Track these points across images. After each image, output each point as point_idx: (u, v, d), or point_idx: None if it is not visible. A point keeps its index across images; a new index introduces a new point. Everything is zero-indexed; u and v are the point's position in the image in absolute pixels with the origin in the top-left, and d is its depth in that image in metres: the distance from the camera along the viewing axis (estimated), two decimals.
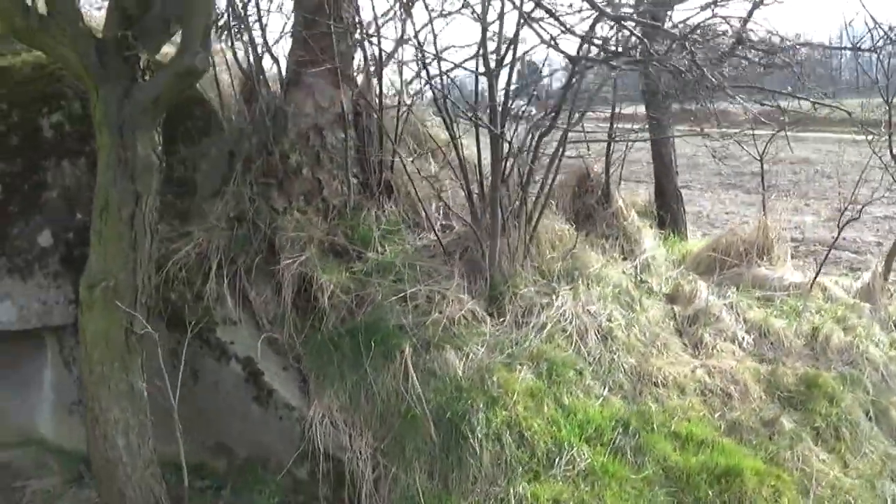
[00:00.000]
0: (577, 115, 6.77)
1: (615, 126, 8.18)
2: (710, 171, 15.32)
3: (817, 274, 7.89)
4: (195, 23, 4.80)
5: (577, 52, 6.25)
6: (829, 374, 6.71)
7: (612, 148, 8.26)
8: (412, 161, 6.90)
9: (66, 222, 5.96)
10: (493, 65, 6.00)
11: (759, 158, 8.88)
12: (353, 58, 6.56)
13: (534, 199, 6.84)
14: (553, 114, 6.53)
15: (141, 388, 5.12)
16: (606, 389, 6.02)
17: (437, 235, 6.52)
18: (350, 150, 6.44)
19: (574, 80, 6.38)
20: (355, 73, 6.66)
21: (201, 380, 5.91)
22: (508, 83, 6.30)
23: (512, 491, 5.13)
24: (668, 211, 10.09)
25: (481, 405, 5.45)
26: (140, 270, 5.03)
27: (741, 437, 6.01)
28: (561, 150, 6.75)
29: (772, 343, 7.02)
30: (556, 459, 5.33)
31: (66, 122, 5.98)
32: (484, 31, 5.88)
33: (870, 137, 7.94)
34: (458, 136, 6.46)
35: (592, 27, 6.13)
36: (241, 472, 5.84)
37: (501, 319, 6.21)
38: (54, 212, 5.95)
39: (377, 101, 6.68)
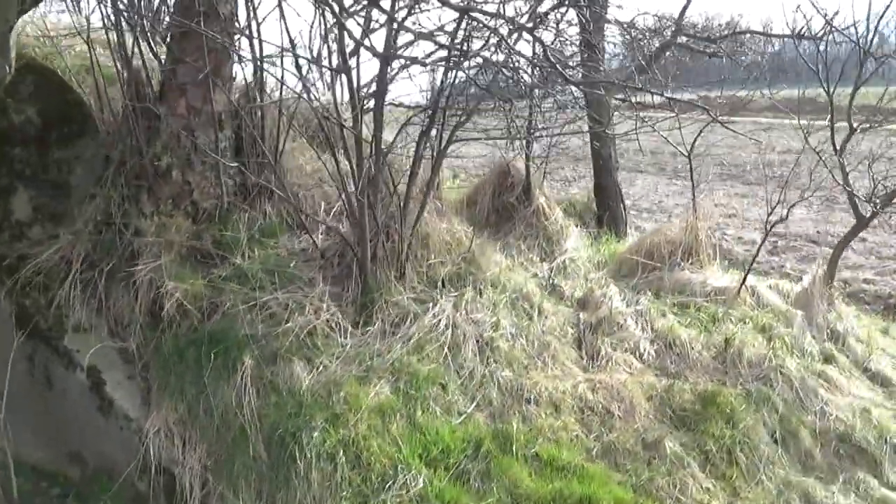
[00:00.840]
0: (463, 115, 6.46)
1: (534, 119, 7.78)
2: (710, 163, 14.60)
3: (744, 278, 7.40)
4: None
5: (448, 51, 5.95)
6: (733, 390, 6.29)
7: (532, 144, 7.91)
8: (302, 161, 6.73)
9: None
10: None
11: (686, 154, 8.39)
12: (230, 56, 6.37)
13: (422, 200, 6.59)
14: (430, 113, 6.26)
15: None
16: (473, 406, 5.73)
17: (313, 239, 6.32)
18: (226, 151, 6.29)
19: (448, 78, 6.10)
20: (233, 73, 6.49)
21: (54, 387, 5.87)
22: (382, 81, 6.01)
23: None
24: (606, 209, 9.67)
25: (320, 422, 5.23)
26: None
27: (615, 461, 5.65)
28: (441, 149, 6.46)
29: (677, 355, 6.62)
30: (390, 483, 5.09)
31: None
32: (340, 24, 5.60)
33: (804, 130, 7.44)
34: (331, 136, 6.23)
35: (459, 24, 5.80)
36: (90, 481, 5.80)
37: (368, 329, 5.97)
38: None
39: (259, 100, 6.50)
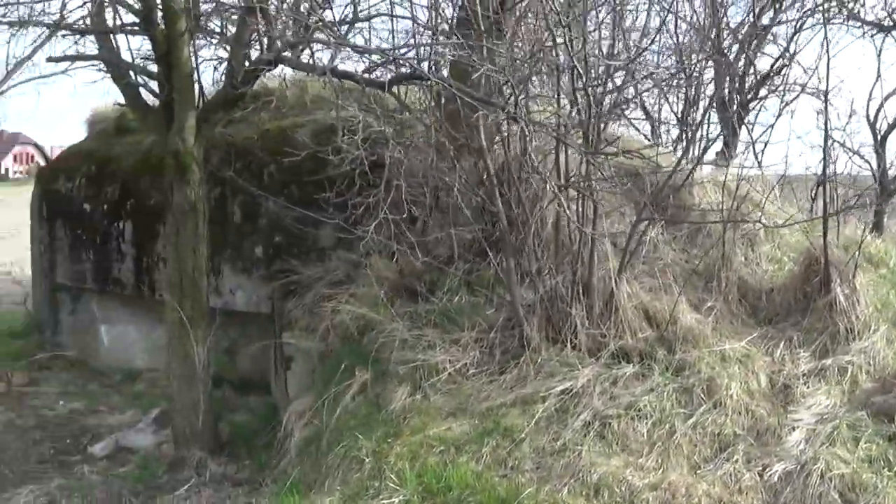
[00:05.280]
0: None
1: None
2: None
3: None
4: None
5: None
6: None
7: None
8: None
9: (269, 242, 9.19)
10: None
11: None
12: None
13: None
14: None
15: None
16: (528, 468, 6.41)
17: (510, 291, 7.63)
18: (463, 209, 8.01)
19: None
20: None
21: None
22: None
23: None
24: None
25: (374, 434, 6.69)
26: None
27: None
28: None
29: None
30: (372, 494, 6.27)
31: (276, 172, 9.29)
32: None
33: None
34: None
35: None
36: None
37: (495, 378, 7.12)
38: (264, 234, 9.21)
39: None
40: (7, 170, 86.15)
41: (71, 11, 9.20)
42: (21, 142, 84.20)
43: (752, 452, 6.57)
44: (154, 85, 8.64)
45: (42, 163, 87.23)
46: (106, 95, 25.57)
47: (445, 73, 7.87)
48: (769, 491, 6.27)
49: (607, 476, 6.25)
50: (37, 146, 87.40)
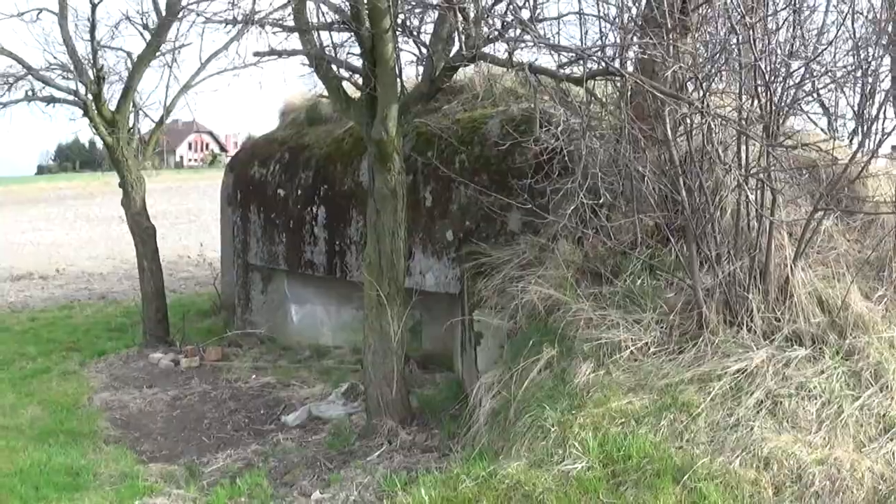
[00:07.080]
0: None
1: None
2: None
3: None
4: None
5: None
6: None
7: None
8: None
9: (459, 227, 10.15)
10: None
11: None
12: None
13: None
14: None
15: None
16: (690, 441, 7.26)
17: (689, 275, 8.36)
18: (646, 195, 8.77)
19: None
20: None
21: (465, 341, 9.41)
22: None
23: None
24: None
25: (558, 404, 7.57)
26: None
27: None
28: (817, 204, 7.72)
29: None
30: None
31: (467, 160, 10.20)
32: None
33: None
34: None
35: None
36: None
37: (673, 357, 7.86)
38: (455, 218, 10.17)
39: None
40: (182, 157, 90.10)
41: (274, 10, 10.20)
42: (196, 130, 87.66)
43: None
44: (343, 76, 9.83)
45: (217, 150, 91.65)
46: None
47: (630, 68, 8.62)
48: None
49: (777, 450, 6.88)
50: (211, 134, 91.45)
